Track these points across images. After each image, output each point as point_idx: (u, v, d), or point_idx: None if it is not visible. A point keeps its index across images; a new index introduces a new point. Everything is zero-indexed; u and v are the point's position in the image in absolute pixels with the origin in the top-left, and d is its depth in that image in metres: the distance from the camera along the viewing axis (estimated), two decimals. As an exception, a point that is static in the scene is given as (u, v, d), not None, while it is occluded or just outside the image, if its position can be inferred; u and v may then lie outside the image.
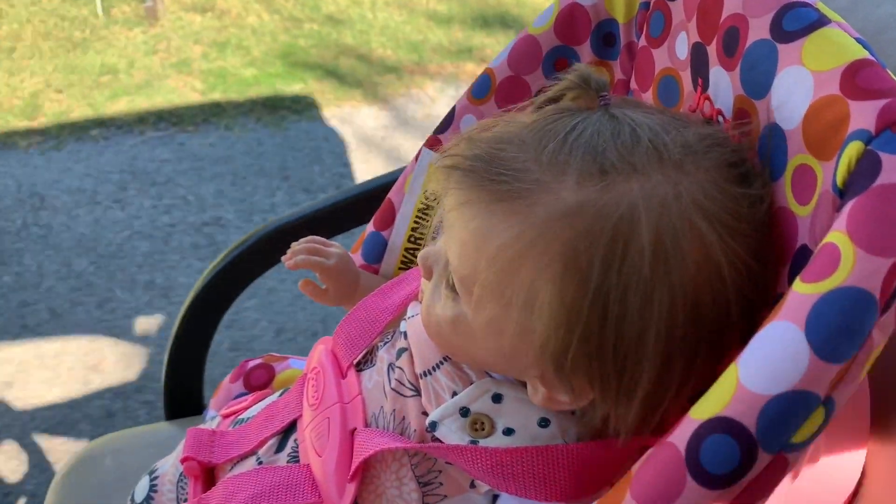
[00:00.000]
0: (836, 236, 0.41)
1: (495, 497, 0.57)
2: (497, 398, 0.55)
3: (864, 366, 0.41)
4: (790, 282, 0.48)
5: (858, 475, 0.51)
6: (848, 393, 0.41)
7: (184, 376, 1.00)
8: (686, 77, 0.59)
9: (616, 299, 0.46)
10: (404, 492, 0.58)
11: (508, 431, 0.54)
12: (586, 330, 0.47)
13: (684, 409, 0.51)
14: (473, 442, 0.55)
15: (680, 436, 0.43)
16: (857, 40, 0.46)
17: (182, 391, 1.01)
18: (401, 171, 0.87)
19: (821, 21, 0.48)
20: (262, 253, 0.96)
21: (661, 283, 0.46)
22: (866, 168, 0.41)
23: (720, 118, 0.54)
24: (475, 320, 0.52)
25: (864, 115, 0.42)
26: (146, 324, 1.68)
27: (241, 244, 0.97)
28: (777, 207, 0.49)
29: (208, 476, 0.69)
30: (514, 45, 0.72)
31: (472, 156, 0.50)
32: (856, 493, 0.53)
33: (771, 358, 0.41)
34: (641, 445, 0.53)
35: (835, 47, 0.46)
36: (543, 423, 0.54)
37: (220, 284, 0.97)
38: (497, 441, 0.54)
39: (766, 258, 0.48)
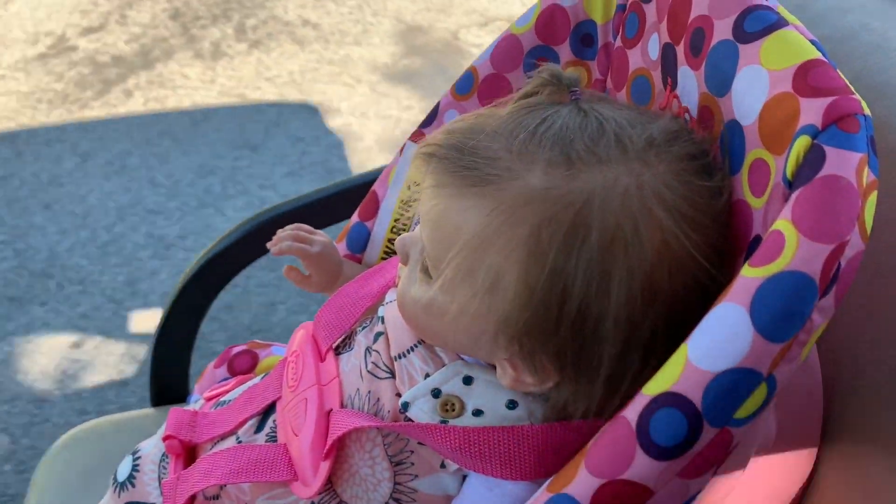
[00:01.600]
0: (782, 224, 0.43)
1: (465, 477, 0.59)
2: (468, 380, 0.57)
3: (804, 346, 0.43)
4: None
5: (808, 472, 0.54)
6: (789, 372, 0.43)
7: (170, 364, 1.02)
8: (657, 77, 0.62)
9: (575, 283, 0.48)
10: (377, 470, 0.60)
11: (478, 413, 0.56)
12: (547, 311, 0.49)
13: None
14: (443, 422, 0.57)
15: (631, 410, 0.45)
16: (812, 42, 0.49)
17: (168, 379, 1.02)
18: (382, 168, 0.90)
19: (779, 23, 0.50)
20: (249, 244, 0.97)
21: (619, 268, 0.48)
22: (812, 160, 0.44)
23: (687, 115, 0.57)
24: (446, 303, 0.54)
25: (812, 111, 0.45)
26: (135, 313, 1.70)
27: (229, 235, 0.99)
28: (735, 200, 0.51)
29: (189, 455, 0.71)
30: (497, 43, 0.74)
31: (448, 144, 0.53)
32: (806, 491, 0.55)
33: (718, 337, 0.43)
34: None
35: (790, 48, 0.48)
36: (511, 405, 0.56)
37: (207, 274, 0.98)
38: (466, 421, 0.56)
39: (723, 248, 0.51)
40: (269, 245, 0.76)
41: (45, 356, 1.61)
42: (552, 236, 0.48)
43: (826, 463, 0.54)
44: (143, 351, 1.61)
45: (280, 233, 0.77)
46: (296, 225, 0.78)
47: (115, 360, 1.60)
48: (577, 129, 0.50)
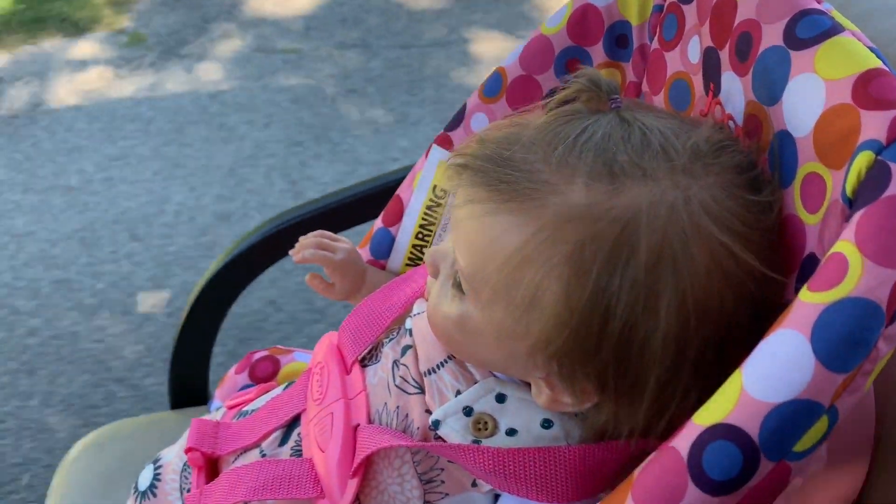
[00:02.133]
0: (845, 246, 0.41)
1: (496, 496, 0.57)
2: (501, 398, 0.55)
3: (868, 376, 0.41)
4: (797, 290, 0.48)
5: (861, 483, 0.51)
6: (852, 403, 0.41)
7: (189, 367, 1.01)
8: (698, 81, 0.59)
9: (620, 303, 0.46)
10: (406, 488, 0.58)
11: (511, 432, 0.55)
12: (589, 333, 0.47)
13: (690, 414, 0.51)
14: (476, 441, 0.55)
15: (683, 441, 0.43)
16: (871, 49, 0.46)
17: (187, 382, 1.01)
18: (407, 169, 0.88)
19: (834, 29, 0.48)
20: (270, 247, 0.96)
21: (667, 288, 0.46)
22: (876, 178, 0.41)
23: (731, 123, 0.54)
24: (481, 320, 0.52)
25: (875, 125, 0.42)
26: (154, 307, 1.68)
27: (248, 237, 0.97)
28: (786, 215, 0.49)
29: (212, 467, 0.70)
30: (527, 44, 0.72)
31: (482, 155, 0.51)
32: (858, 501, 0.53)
33: (776, 366, 0.41)
34: (644, 448, 0.53)
35: (848, 56, 0.46)
36: (547, 424, 0.54)
37: (227, 277, 0.97)
38: (500, 441, 0.55)
39: (775, 265, 0.48)
40: (291, 253, 0.75)
41: (59, 353, 1.60)
42: (595, 255, 0.46)
43: (876, 486, 0.52)
44: (161, 352, 1.60)
45: (302, 240, 0.75)
46: (319, 232, 0.76)
47: (134, 362, 1.59)
48: (619, 140, 0.48)
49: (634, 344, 0.47)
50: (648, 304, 0.46)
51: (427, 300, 0.59)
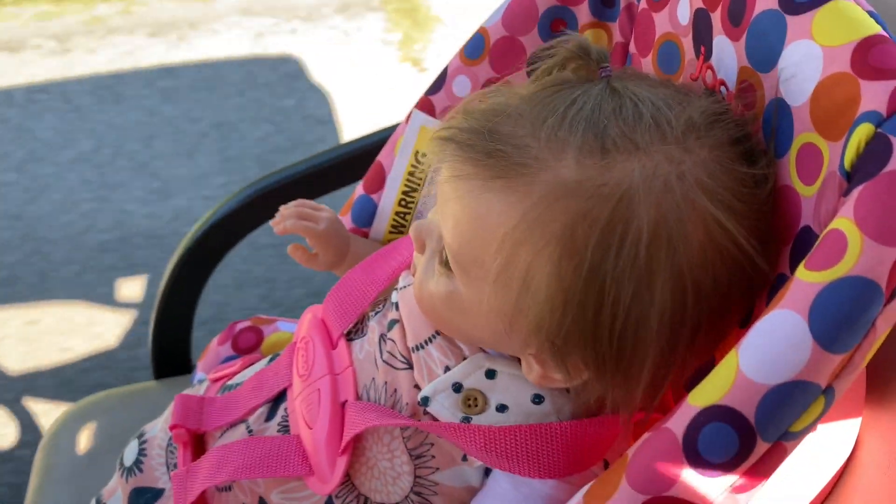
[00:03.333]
0: (843, 223, 0.40)
1: (487, 469, 0.57)
2: (490, 374, 0.54)
3: (866, 355, 0.40)
4: (791, 262, 0.47)
5: (853, 442, 0.51)
6: (849, 382, 0.41)
7: (172, 335, 1.00)
8: (688, 44, 0.57)
9: (614, 282, 0.45)
10: (396, 464, 0.58)
11: (502, 408, 0.54)
12: (582, 312, 0.46)
13: (680, 389, 0.51)
14: (466, 419, 0.54)
15: (678, 422, 0.43)
16: (871, 14, 0.44)
17: (170, 350, 1.00)
18: (388, 130, 0.86)
19: None
20: (251, 211, 0.94)
21: (662, 266, 0.45)
22: (876, 152, 0.40)
23: (723, 89, 0.53)
24: (469, 298, 0.51)
25: (875, 95, 0.41)
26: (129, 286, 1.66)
27: (229, 201, 0.95)
28: (781, 185, 0.48)
29: (197, 442, 0.69)
30: (510, 4, 0.69)
31: (468, 128, 0.49)
32: (850, 460, 0.53)
33: (772, 347, 0.40)
34: (637, 420, 0.53)
35: (847, 21, 0.44)
36: (537, 399, 0.53)
37: (208, 241, 0.95)
38: (490, 418, 0.54)
39: (769, 238, 0.47)
40: (272, 223, 0.73)
41: (39, 335, 1.58)
42: (588, 233, 0.45)
43: (867, 442, 0.52)
44: (138, 325, 1.58)
45: (283, 210, 0.73)
46: (300, 201, 0.74)
47: (113, 336, 1.57)
48: (610, 112, 0.46)
49: (630, 323, 0.46)
50: (644, 282, 0.45)
51: (413, 274, 0.58)
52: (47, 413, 1.43)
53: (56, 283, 1.66)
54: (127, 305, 1.62)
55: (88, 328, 1.58)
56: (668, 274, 0.45)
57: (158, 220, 1.78)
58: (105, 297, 1.63)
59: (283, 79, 2.18)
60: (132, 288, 1.65)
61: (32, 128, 2.02)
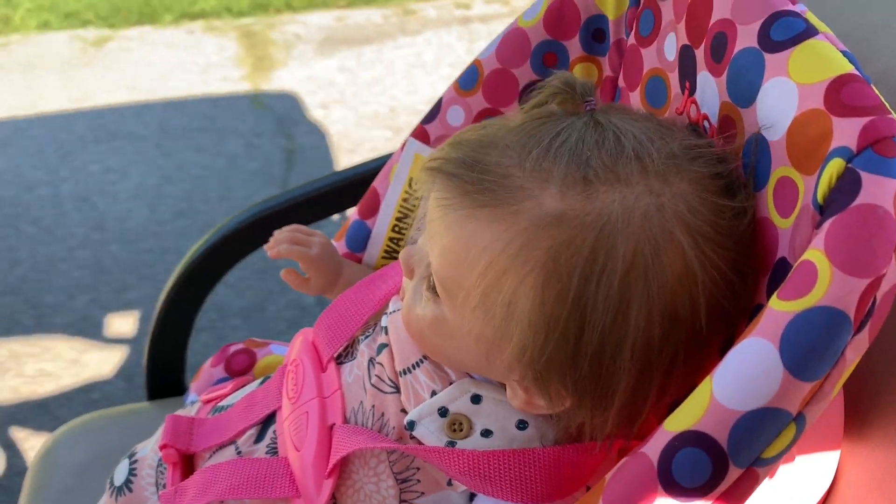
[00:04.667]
0: (814, 254, 0.41)
1: (472, 495, 0.57)
2: (476, 399, 0.55)
3: (836, 383, 0.41)
4: (769, 292, 0.48)
5: (832, 475, 0.52)
6: (819, 410, 0.41)
7: (166, 357, 1.00)
8: (674, 79, 0.59)
9: (594, 310, 0.46)
10: (382, 488, 0.58)
11: (486, 433, 0.55)
12: (564, 339, 0.47)
13: (663, 417, 0.52)
14: (451, 443, 0.55)
15: (653, 447, 0.43)
16: (844, 54, 0.46)
17: (164, 372, 1.00)
18: (384, 158, 0.87)
19: (808, 32, 0.47)
20: (247, 235, 0.95)
21: (639, 295, 0.46)
22: (846, 186, 0.41)
23: (706, 123, 0.54)
24: (455, 324, 0.52)
25: (846, 131, 0.42)
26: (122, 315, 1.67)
27: (225, 226, 0.96)
28: (759, 217, 0.49)
29: (187, 463, 0.69)
30: (503, 37, 0.71)
31: (455, 159, 0.50)
32: (829, 493, 0.53)
33: (744, 374, 0.41)
34: (619, 448, 0.53)
35: (821, 60, 0.45)
36: (521, 425, 0.54)
37: (203, 265, 0.96)
38: (475, 443, 0.55)
39: (746, 271, 0.48)
40: (266, 248, 0.74)
41: (31, 362, 1.58)
42: (570, 262, 0.46)
43: (847, 467, 0.53)
44: (131, 352, 1.58)
45: (277, 234, 0.74)
46: (293, 226, 0.75)
47: (105, 364, 1.57)
48: (593, 144, 0.48)
49: (607, 351, 0.46)
50: (621, 310, 0.46)
51: (402, 300, 0.59)
52: (31, 441, 1.42)
53: (40, 314, 1.66)
54: (114, 337, 1.63)
55: (74, 357, 1.59)
56: (644, 303, 0.46)
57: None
58: (91, 328, 1.64)
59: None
60: (119, 319, 1.66)
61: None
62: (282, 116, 2.23)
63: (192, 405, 0.78)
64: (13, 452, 1.42)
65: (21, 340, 1.62)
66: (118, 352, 1.58)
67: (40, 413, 1.48)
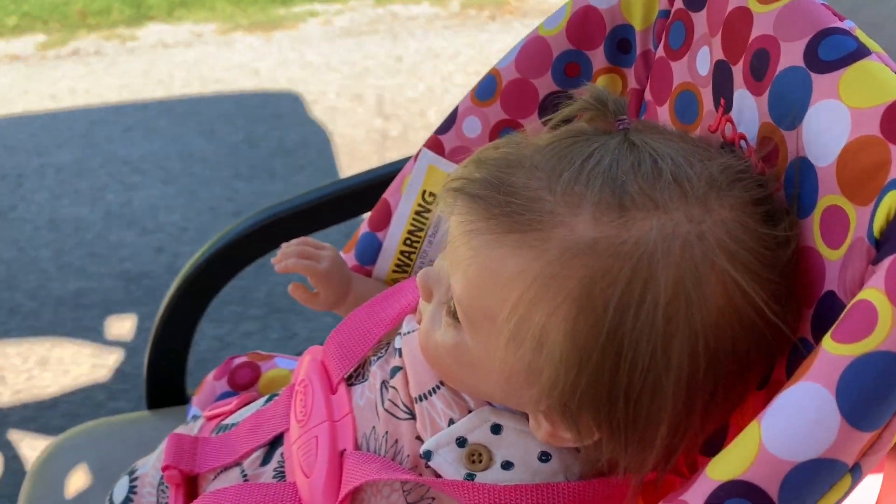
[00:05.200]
0: (873, 294, 0.38)
1: (489, 525, 0.55)
2: (496, 429, 0.53)
3: (895, 432, 0.38)
4: (813, 326, 0.45)
5: (875, 499, 0.49)
6: (877, 460, 0.39)
7: (167, 365, 0.98)
8: (707, 94, 0.56)
9: (631, 344, 0.43)
10: None
11: (507, 465, 0.52)
12: (597, 374, 0.44)
13: (694, 448, 0.49)
14: (470, 475, 0.52)
15: (696, 495, 0.41)
16: None
17: (165, 380, 0.98)
18: (395, 164, 0.84)
19: (860, 52, 0.45)
20: (253, 242, 0.93)
21: (680, 329, 0.43)
22: None
23: (743, 143, 0.51)
24: (478, 353, 0.49)
25: None
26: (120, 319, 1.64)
27: (231, 231, 0.94)
28: (804, 247, 0.46)
29: (190, 484, 0.67)
30: (523, 46, 0.68)
31: (480, 179, 0.47)
32: None
33: (798, 422, 0.38)
34: (647, 480, 0.51)
35: (876, 83, 0.43)
36: (545, 457, 0.52)
37: (207, 272, 0.94)
38: (495, 475, 0.52)
39: (790, 302, 0.46)
40: (273, 261, 0.72)
41: (29, 366, 1.56)
42: (606, 293, 0.43)
43: (891, 489, 0.50)
44: (129, 356, 1.56)
45: (285, 248, 0.72)
46: (302, 239, 0.73)
47: (102, 368, 1.55)
48: (628, 167, 0.45)
49: (646, 387, 0.44)
50: (661, 344, 0.43)
51: (419, 322, 0.56)
52: (37, 446, 1.40)
53: (30, 318, 1.64)
54: (110, 341, 1.61)
55: (66, 363, 1.56)
56: (686, 337, 0.43)
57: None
58: (87, 334, 1.62)
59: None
60: (116, 325, 1.63)
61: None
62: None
63: (194, 420, 0.75)
64: (10, 456, 1.40)
65: (15, 343, 1.59)
66: (116, 355, 1.56)
67: (38, 416, 1.46)
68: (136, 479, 0.71)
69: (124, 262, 1.75)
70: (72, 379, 1.52)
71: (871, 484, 0.47)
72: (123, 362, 1.54)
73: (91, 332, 1.61)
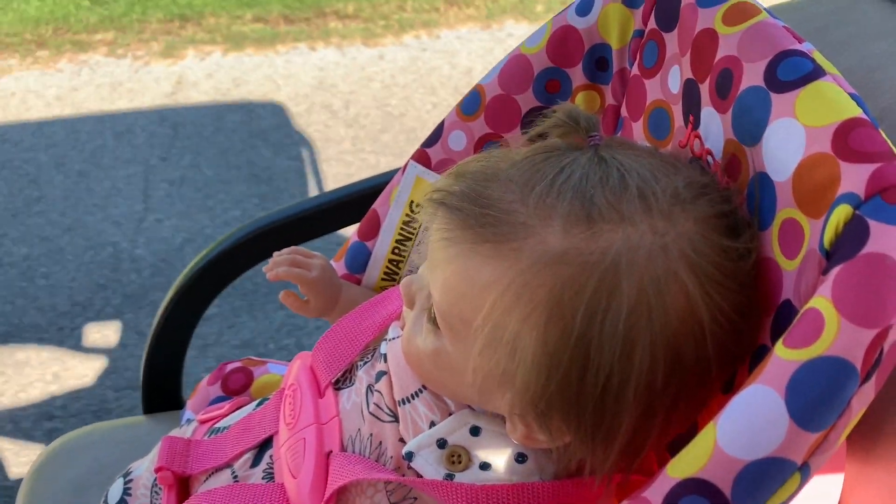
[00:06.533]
0: (821, 302, 0.41)
1: (470, 525, 0.57)
2: (475, 431, 0.55)
3: (841, 433, 0.41)
4: (772, 333, 0.48)
5: (837, 499, 0.51)
6: (824, 459, 0.41)
7: (163, 371, 1.00)
8: (678, 111, 0.59)
9: (597, 350, 0.46)
10: None
11: (485, 466, 0.54)
12: (566, 378, 0.47)
13: (662, 451, 0.51)
14: (449, 475, 0.54)
15: (655, 492, 0.43)
16: (852, 96, 0.46)
17: (161, 386, 1.00)
18: (384, 176, 0.87)
19: (816, 73, 0.47)
20: (246, 250, 0.95)
21: (642, 335, 0.45)
22: (854, 234, 0.41)
23: (710, 158, 0.54)
24: (456, 357, 0.52)
25: (854, 177, 0.42)
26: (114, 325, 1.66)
27: (224, 240, 0.96)
28: (763, 258, 0.49)
29: (182, 486, 0.69)
30: (506, 63, 0.71)
31: (458, 192, 0.50)
32: None
33: (749, 423, 0.41)
34: (618, 482, 0.53)
35: (828, 103, 0.45)
36: (521, 458, 0.54)
37: (202, 280, 0.96)
38: (473, 475, 0.54)
39: (749, 311, 0.48)
40: (265, 269, 0.74)
41: (30, 359, 1.58)
42: (574, 301, 0.45)
43: (851, 490, 0.52)
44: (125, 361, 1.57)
45: (276, 257, 0.74)
46: (293, 249, 0.75)
47: (103, 365, 1.57)
48: (597, 181, 0.47)
49: (610, 391, 0.46)
50: (624, 351, 0.45)
51: (402, 328, 0.59)
52: (30, 451, 1.42)
53: (24, 323, 1.66)
54: (96, 348, 1.62)
55: (58, 369, 1.58)
56: (648, 343, 0.45)
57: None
58: (74, 340, 1.63)
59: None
60: (102, 330, 1.65)
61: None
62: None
63: (188, 424, 0.77)
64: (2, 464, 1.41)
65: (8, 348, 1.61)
66: (104, 361, 1.58)
67: (30, 422, 1.48)
68: (130, 480, 0.73)
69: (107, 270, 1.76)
70: (70, 384, 1.54)
71: (832, 482, 0.50)
72: (116, 367, 1.56)
73: (84, 338, 1.63)
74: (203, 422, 0.75)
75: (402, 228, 0.77)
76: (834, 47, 0.53)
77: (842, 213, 0.42)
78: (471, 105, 0.72)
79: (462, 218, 0.49)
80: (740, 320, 0.47)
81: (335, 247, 0.85)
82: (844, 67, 0.49)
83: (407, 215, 0.77)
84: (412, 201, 0.76)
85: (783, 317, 0.47)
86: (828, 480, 0.50)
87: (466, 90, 0.75)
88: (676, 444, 0.51)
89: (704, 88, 0.54)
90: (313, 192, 2.02)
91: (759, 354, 0.48)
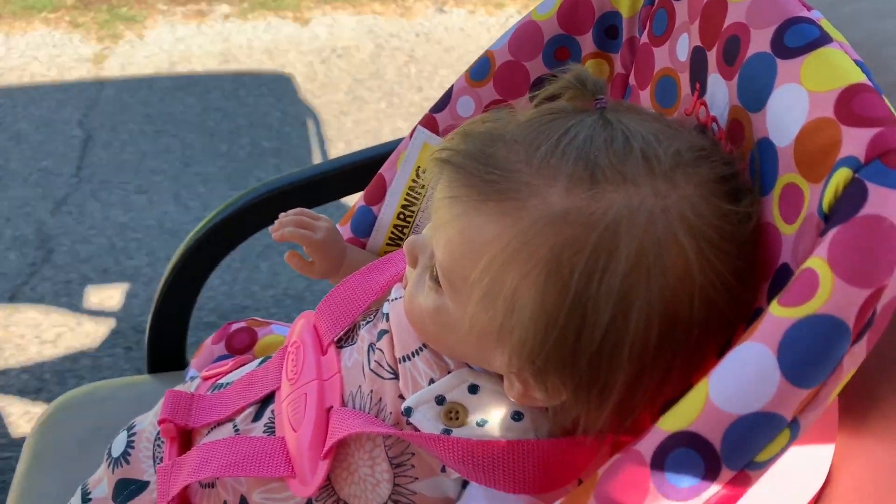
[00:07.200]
0: (817, 262, 0.41)
1: (465, 482, 0.58)
2: (473, 389, 0.56)
3: (832, 392, 0.41)
4: (769, 298, 0.48)
5: (826, 471, 0.52)
6: (814, 417, 0.42)
7: (168, 331, 1.01)
8: (685, 79, 0.59)
9: (594, 308, 0.46)
10: (376, 471, 0.59)
11: (482, 422, 0.55)
12: (563, 336, 0.47)
13: (656, 414, 0.52)
14: (447, 431, 0.55)
15: (647, 445, 0.44)
16: (857, 63, 0.46)
17: (166, 346, 1.01)
18: (391, 143, 0.87)
19: (822, 39, 0.47)
20: (252, 215, 0.96)
21: (639, 296, 0.46)
22: (852, 196, 0.41)
23: (714, 125, 0.54)
24: (456, 315, 0.52)
25: (855, 142, 0.42)
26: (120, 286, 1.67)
27: (231, 205, 0.97)
28: (763, 223, 0.49)
29: (185, 438, 0.70)
30: (516, 29, 0.71)
31: (464, 151, 0.50)
32: (824, 489, 0.53)
33: (741, 378, 0.41)
34: (613, 443, 0.54)
35: (833, 69, 0.45)
36: (517, 416, 0.55)
37: (208, 243, 0.97)
38: (470, 431, 0.55)
39: (748, 276, 0.49)
40: (270, 230, 0.74)
41: (38, 320, 1.59)
42: (573, 259, 0.46)
43: (842, 462, 0.53)
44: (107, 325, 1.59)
45: (282, 217, 0.75)
46: (298, 210, 0.76)
47: (112, 325, 1.58)
48: (601, 143, 0.48)
49: (605, 350, 0.47)
50: (621, 309, 0.46)
51: (405, 288, 0.59)
52: (45, 400, 1.43)
53: (30, 286, 1.67)
54: (103, 311, 1.63)
55: (64, 331, 1.59)
56: (644, 304, 0.46)
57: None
58: (79, 303, 1.64)
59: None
60: (108, 294, 1.67)
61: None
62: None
63: (191, 381, 0.78)
64: (6, 422, 1.43)
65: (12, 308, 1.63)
66: (111, 322, 1.59)
67: (34, 382, 1.49)
68: (134, 434, 0.74)
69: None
70: (67, 344, 1.56)
71: (822, 455, 0.50)
72: (121, 328, 1.57)
73: (86, 296, 1.64)
74: (206, 378, 0.76)
75: (408, 193, 0.78)
76: (843, 22, 0.52)
77: (841, 176, 0.42)
78: (480, 71, 0.73)
79: (467, 176, 0.49)
80: (738, 284, 0.48)
81: (341, 214, 0.86)
82: (853, 42, 0.49)
83: (413, 180, 0.77)
84: (419, 167, 0.77)
85: (780, 280, 0.47)
86: (818, 452, 0.51)
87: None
88: (670, 407, 0.52)
89: (712, 55, 0.54)
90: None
91: (756, 318, 0.49)
